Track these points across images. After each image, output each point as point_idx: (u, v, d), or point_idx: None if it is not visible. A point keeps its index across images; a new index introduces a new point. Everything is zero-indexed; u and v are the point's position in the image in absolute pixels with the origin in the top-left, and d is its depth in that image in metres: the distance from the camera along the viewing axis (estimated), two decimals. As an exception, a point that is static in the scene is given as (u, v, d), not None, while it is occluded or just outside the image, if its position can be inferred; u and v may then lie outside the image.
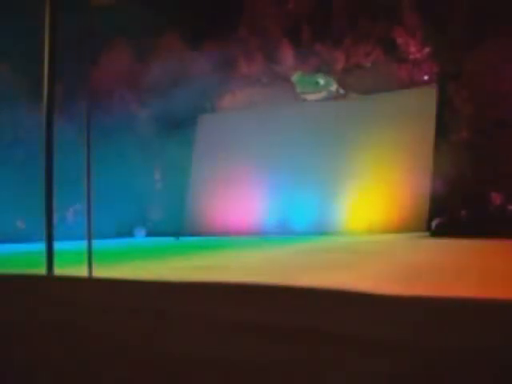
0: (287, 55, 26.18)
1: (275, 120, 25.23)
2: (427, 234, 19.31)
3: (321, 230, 22.36)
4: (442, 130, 21.97)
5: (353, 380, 1.29)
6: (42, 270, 5.42)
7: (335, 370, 1.37)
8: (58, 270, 5.58)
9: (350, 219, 22.67)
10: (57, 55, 5.49)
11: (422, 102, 22.46)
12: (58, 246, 5.44)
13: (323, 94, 25.51)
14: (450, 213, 19.44)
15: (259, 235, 22.43)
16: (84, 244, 7.55)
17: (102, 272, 7.40)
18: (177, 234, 23.15)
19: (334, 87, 25.43)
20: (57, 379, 1.32)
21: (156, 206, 27.39)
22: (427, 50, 23.52)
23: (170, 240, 21.80)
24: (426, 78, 23.81)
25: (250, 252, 14.52)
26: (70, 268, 7.30)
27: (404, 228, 20.39)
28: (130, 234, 25.56)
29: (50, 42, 5.45)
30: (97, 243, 8.10)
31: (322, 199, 23.40)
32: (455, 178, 20.20)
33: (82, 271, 6.93)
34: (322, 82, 25.02)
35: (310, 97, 25.83)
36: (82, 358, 1.49)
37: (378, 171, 22.38)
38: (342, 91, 25.41)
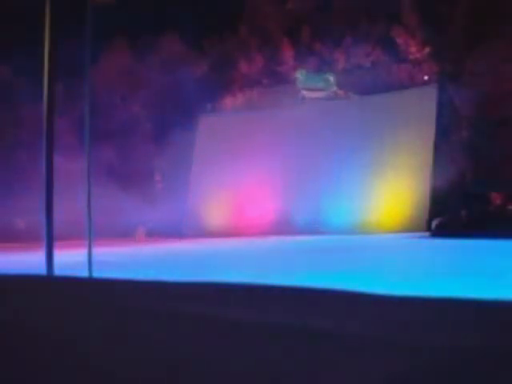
0: (287, 55, 26.16)
1: (275, 120, 25.19)
2: (427, 233, 19.27)
3: (321, 230, 22.33)
4: (442, 129, 21.94)
5: (353, 380, 1.29)
6: (41, 270, 5.42)
7: (335, 369, 1.36)
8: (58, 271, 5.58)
9: (350, 219, 22.64)
10: (57, 55, 5.49)
11: (422, 102, 22.41)
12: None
13: (323, 93, 25.49)
14: (450, 213, 19.41)
15: (263, 236, 22.38)
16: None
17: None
18: (177, 234, 23.13)
19: (333, 87, 25.42)
20: (57, 378, 1.32)
21: (156, 206, 27.35)
22: (427, 49, 23.49)
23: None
24: (425, 78, 23.79)
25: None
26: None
27: (404, 228, 20.35)
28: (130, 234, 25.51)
29: (50, 42, 5.45)
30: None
31: (321, 199, 23.38)
32: (455, 178, 20.16)
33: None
34: (330, 80, 25.01)
35: (310, 95, 25.80)
36: (82, 357, 1.49)
37: (379, 171, 22.36)
38: (341, 91, 25.38)
